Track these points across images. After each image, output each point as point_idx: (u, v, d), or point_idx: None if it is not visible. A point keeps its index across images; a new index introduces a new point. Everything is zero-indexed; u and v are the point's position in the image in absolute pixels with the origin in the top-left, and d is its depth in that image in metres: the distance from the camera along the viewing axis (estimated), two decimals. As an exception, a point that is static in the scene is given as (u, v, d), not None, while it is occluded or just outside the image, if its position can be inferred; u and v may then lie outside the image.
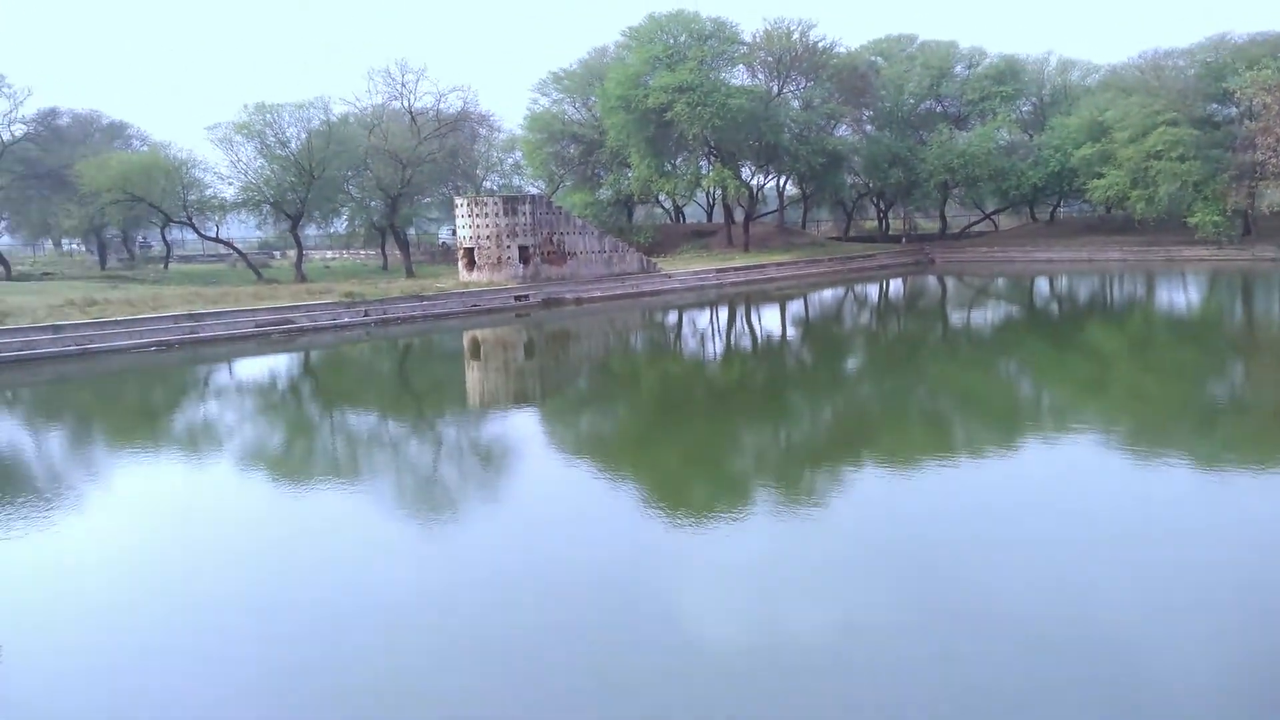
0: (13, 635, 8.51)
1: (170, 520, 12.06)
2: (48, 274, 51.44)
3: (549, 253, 39.63)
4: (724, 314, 36.88)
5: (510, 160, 61.43)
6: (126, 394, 22.74)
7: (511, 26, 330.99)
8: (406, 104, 48.09)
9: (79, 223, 52.66)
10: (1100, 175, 50.18)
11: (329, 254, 72.39)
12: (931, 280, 48.63)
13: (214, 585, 9.56)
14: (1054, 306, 37.11)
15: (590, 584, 9.36)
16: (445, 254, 61.65)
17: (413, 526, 11.66)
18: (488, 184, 57.66)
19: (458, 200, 40.89)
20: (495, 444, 16.33)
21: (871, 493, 12.37)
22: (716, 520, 11.49)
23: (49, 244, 76.12)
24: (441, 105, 49.37)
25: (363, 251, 67.57)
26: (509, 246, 38.58)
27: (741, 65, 53.44)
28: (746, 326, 33.42)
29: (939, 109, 61.94)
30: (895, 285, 46.39)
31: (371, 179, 47.55)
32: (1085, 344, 26.41)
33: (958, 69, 60.80)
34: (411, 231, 58.68)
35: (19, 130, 50.85)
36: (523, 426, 17.99)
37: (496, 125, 56.57)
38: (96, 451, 16.84)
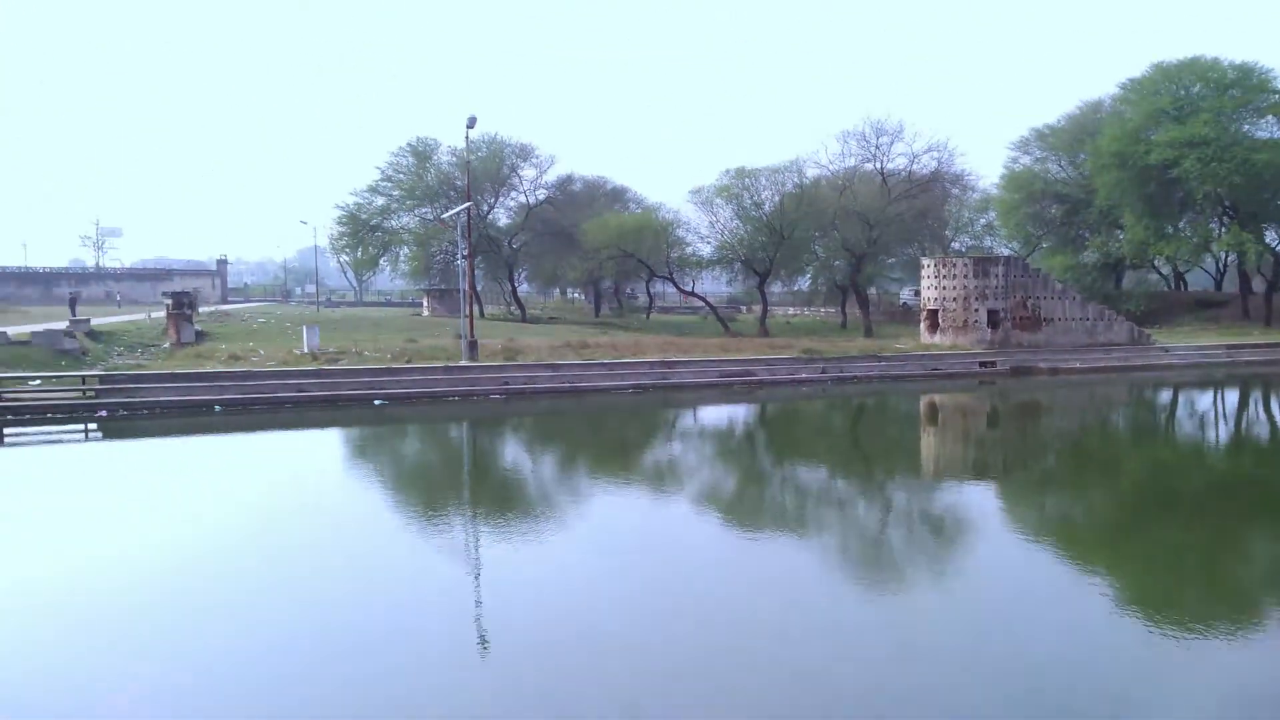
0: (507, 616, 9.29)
1: (626, 548, 12.62)
2: (553, 318, 59.07)
3: (1021, 318, 36.93)
4: (1233, 397, 31.44)
5: (982, 221, 58.81)
6: (606, 429, 24.88)
7: (989, 83, 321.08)
8: (879, 165, 48.10)
9: (581, 275, 59.73)
10: None
11: (790, 310, 74.67)
12: None
13: (653, 615, 9.69)
14: None
15: (1063, 690, 7.97)
16: (904, 314, 60.51)
17: (852, 592, 11.00)
18: (956, 245, 55.68)
19: (924, 261, 39.79)
20: (946, 515, 15.13)
21: None
22: (1213, 636, 9.34)
23: (556, 292, 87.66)
24: (914, 166, 48.71)
25: (823, 309, 68.73)
26: (977, 310, 36.58)
27: (1271, 115, 46.03)
28: (1264, 414, 28.11)
29: None
30: None
31: (837, 239, 48.12)
32: None
33: None
34: (872, 290, 58.47)
35: (541, 195, 59.29)
36: (977, 500, 16.51)
37: (971, 184, 54.46)
38: (577, 476, 18.47)
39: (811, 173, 49.19)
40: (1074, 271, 50.60)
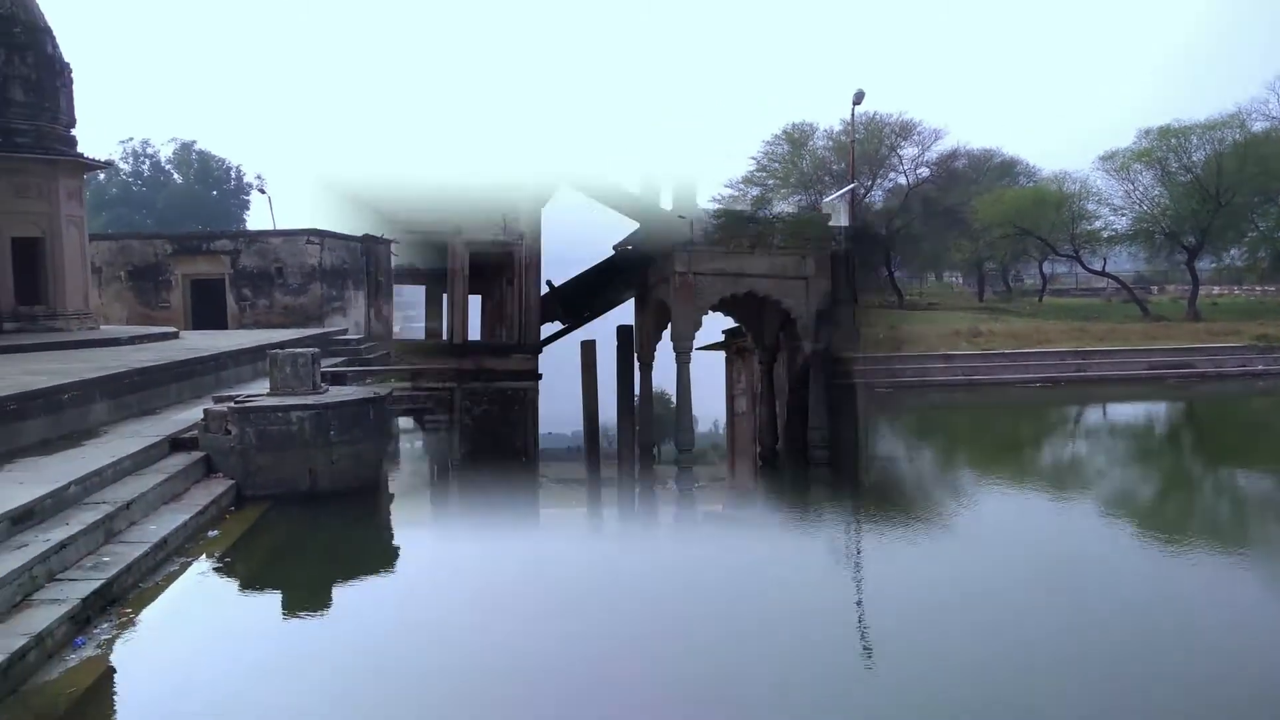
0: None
1: (990, 558, 10.36)
2: (932, 304, 55.38)
3: None
4: None
5: None
6: (1002, 425, 22.21)
7: None
8: (1355, 111, 39.39)
9: (968, 256, 55.54)
10: None
11: (1215, 289, 64.60)
12: None
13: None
14: None
15: None
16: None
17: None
18: None
19: None
20: None
21: None
22: None
23: (931, 276, 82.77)
24: None
25: (1259, 288, 58.51)
26: None
27: None
28: None
29: None
30: None
31: (1292, 203, 40.15)
32: None
33: None
34: (1333, 266, 48.48)
35: (923, 173, 55.74)
36: None
37: None
38: (960, 473, 16.28)
39: (1258, 126, 41.34)
40: None
